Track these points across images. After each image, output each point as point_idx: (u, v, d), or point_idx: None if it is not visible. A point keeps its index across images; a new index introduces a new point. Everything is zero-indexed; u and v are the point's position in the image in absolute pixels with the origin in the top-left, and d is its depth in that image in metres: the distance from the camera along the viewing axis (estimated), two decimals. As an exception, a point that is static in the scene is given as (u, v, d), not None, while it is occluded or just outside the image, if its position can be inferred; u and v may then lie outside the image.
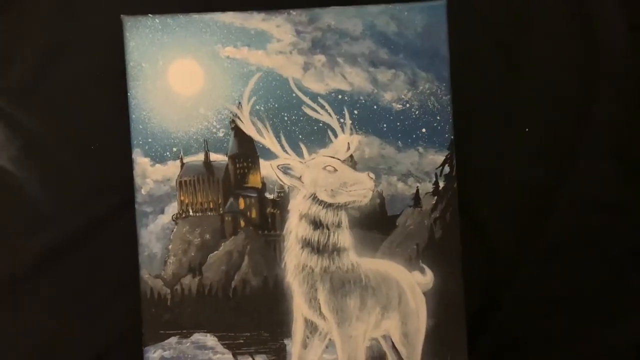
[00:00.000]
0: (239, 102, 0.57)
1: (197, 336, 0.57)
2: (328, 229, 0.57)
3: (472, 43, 0.60)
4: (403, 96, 0.58)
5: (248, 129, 0.57)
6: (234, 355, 0.57)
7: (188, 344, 0.57)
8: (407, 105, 0.58)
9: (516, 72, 0.60)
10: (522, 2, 0.60)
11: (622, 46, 0.59)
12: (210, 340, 0.57)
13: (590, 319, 0.59)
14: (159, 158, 0.57)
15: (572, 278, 0.59)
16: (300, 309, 0.57)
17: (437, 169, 0.58)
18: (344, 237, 0.57)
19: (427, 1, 0.58)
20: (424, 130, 0.58)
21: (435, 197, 0.58)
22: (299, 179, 0.57)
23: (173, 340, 0.57)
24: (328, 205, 0.57)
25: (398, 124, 0.58)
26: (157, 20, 0.57)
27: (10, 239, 0.58)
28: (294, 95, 0.57)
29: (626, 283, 0.59)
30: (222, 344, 0.57)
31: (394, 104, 0.58)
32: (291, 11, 0.57)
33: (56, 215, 0.58)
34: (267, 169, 0.57)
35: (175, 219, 0.57)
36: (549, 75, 0.60)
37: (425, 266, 0.58)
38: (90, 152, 0.59)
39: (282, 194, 0.58)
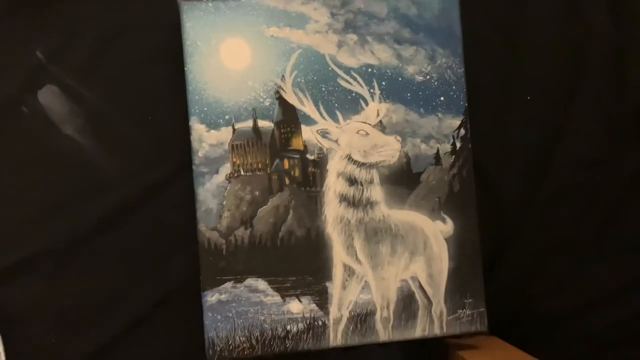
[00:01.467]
0: (283, 75, 0.65)
1: (250, 281, 0.64)
2: (362, 185, 0.65)
3: (479, 24, 0.68)
4: (424, 69, 0.66)
5: (291, 98, 0.65)
6: (282, 297, 0.65)
7: (242, 288, 0.64)
8: (427, 77, 0.66)
9: (516, 48, 0.69)
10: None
11: (605, 25, 0.69)
12: (261, 284, 0.64)
13: (584, 258, 0.69)
14: (213, 125, 0.64)
15: (568, 223, 0.69)
16: (339, 255, 0.65)
17: (454, 131, 0.67)
18: (376, 192, 0.66)
19: (442, -12, 0.68)
20: (442, 98, 0.67)
21: (453, 156, 0.67)
22: (336, 141, 0.65)
23: (228, 285, 0.64)
24: (361, 165, 0.65)
25: (420, 93, 0.66)
26: (210, 5, 0.64)
27: (80, 200, 0.64)
28: (330, 69, 0.66)
29: (612, 227, 0.69)
30: (272, 287, 0.64)
31: (416, 76, 0.66)
32: (326, -4, 0.66)
33: (121, 178, 0.65)
34: (307, 133, 0.65)
35: (229, 178, 0.65)
36: (544, 51, 0.69)
37: (446, 216, 0.66)
38: (151, 122, 0.66)
39: (321, 155, 0.65)
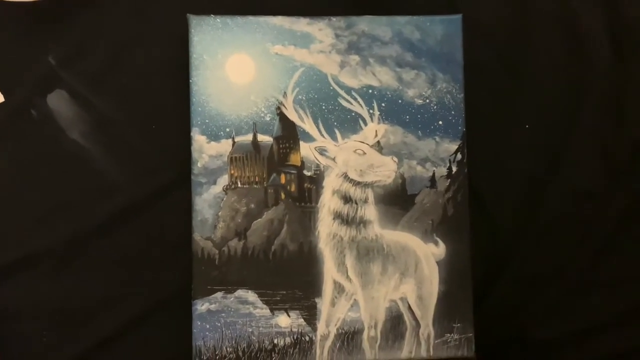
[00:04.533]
0: (285, 92, 0.66)
1: (240, 292, 0.65)
2: (356, 203, 0.66)
3: (481, 52, 0.69)
4: (424, 93, 0.68)
5: (291, 115, 0.67)
6: (271, 310, 0.65)
7: (232, 299, 0.65)
8: (427, 100, 0.68)
9: (517, 78, 0.70)
10: (521, 19, 0.70)
11: (606, 60, 0.69)
12: (251, 296, 0.65)
13: (576, 287, 0.68)
14: (214, 136, 0.66)
15: (561, 253, 0.68)
16: (330, 272, 0.66)
17: (450, 155, 0.67)
18: (370, 211, 0.66)
19: (445, 15, 0.69)
20: (440, 122, 0.68)
21: (449, 180, 0.67)
22: (333, 159, 0.66)
23: (219, 295, 0.65)
24: (357, 183, 0.66)
25: (419, 116, 0.67)
26: (218, 20, 0.66)
27: (82, 203, 0.66)
28: (331, 88, 0.67)
29: (606, 258, 0.68)
30: (261, 300, 0.65)
31: (415, 99, 0.68)
32: (332, 18, 0.67)
33: (122, 184, 0.66)
34: (306, 150, 0.66)
35: (226, 189, 0.66)
36: (545, 82, 0.70)
37: (438, 239, 0.67)
38: (154, 130, 0.67)
39: (318, 172, 0.66)
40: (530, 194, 0.69)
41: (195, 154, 0.65)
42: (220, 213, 0.65)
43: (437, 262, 0.66)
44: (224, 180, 0.65)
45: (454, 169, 0.67)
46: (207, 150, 0.66)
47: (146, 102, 0.67)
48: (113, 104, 0.67)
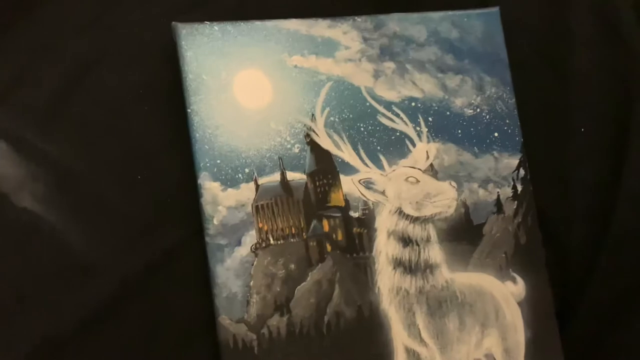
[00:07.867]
0: (312, 114, 0.52)
1: (292, 385, 0.49)
2: (418, 244, 0.53)
3: (520, 49, 0.60)
4: (473, 101, 0.56)
5: (324, 142, 0.52)
6: (334, 400, 0.49)
7: (282, 398, 0.48)
8: (478, 110, 0.56)
9: (563, 76, 0.61)
10: (559, 10, 0.62)
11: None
12: (306, 389, 0.49)
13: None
14: (230, 181, 0.49)
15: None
16: (399, 337, 0.51)
17: (513, 172, 0.56)
18: (435, 252, 0.53)
19: (478, 8, 0.59)
20: (496, 134, 0.57)
21: (516, 202, 0.56)
22: (383, 193, 0.53)
23: (264, 396, 0.48)
24: (415, 219, 0.53)
25: (472, 129, 0.56)
26: (215, 28, 0.50)
27: (51, 294, 0.46)
28: (367, 104, 0.53)
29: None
30: (320, 391, 0.49)
31: (465, 109, 0.56)
32: (356, 18, 0.54)
33: (103, 260, 0.47)
34: (348, 184, 0.52)
35: (255, 249, 0.49)
36: (594, 78, 0.61)
37: (515, 275, 0.55)
38: (139, 182, 0.49)
39: (366, 211, 0.52)
40: (597, 206, 0.59)
41: (207, 208, 0.48)
42: (251, 283, 0.49)
43: (518, 303, 0.55)
44: (250, 237, 0.49)
45: (519, 187, 0.56)
46: (223, 200, 0.49)
47: (126, 144, 0.49)
48: (76, 150, 0.49)
